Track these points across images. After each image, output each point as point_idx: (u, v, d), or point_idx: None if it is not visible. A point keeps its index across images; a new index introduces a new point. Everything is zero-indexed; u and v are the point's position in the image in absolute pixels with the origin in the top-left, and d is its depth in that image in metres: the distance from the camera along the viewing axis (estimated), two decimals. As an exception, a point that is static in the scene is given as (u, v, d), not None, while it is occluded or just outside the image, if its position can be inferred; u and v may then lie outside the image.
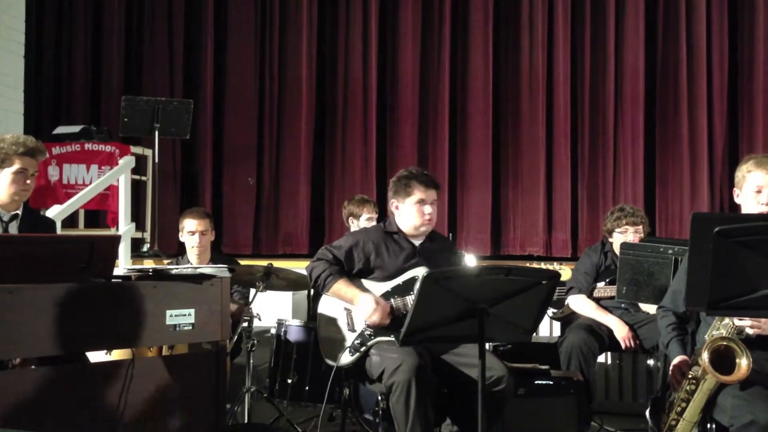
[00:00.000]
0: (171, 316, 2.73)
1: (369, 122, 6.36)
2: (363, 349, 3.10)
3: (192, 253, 4.07)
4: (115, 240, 3.06)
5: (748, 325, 2.50)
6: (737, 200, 2.74)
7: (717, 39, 5.79)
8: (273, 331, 3.91)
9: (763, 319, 2.49)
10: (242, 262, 4.21)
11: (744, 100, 5.78)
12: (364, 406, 3.60)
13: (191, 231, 4.04)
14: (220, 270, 2.91)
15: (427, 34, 6.32)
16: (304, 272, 3.33)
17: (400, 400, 2.83)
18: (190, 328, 2.77)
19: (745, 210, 2.70)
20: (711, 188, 5.75)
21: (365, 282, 3.21)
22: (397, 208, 3.25)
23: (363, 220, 4.58)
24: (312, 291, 4.40)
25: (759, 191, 2.64)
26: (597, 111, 6.01)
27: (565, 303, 4.15)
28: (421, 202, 3.19)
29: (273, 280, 3.86)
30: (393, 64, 6.38)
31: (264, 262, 3.90)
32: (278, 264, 4.01)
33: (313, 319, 3.75)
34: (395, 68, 6.37)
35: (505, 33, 6.20)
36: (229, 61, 6.62)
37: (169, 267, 3.20)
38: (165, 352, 3.17)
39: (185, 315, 2.77)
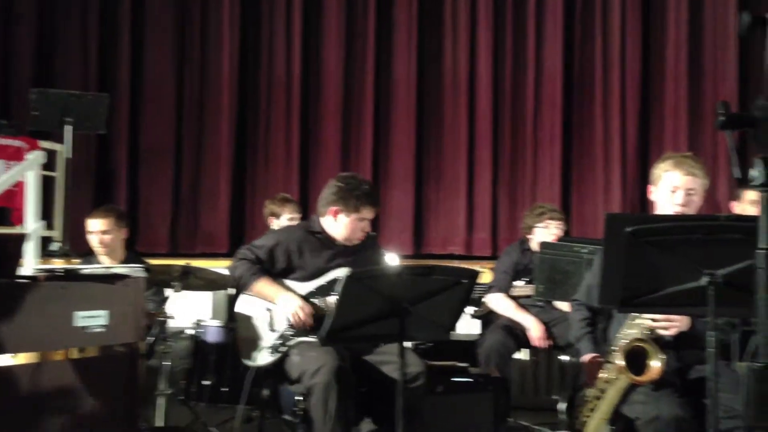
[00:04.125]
0: (81, 317, 2.62)
1: (292, 120, 6.30)
2: (283, 349, 3.06)
3: (98, 254, 3.95)
4: (20, 239, 2.92)
5: (663, 326, 2.58)
6: (652, 197, 2.79)
7: (630, 45, 6.00)
8: (190, 332, 3.82)
9: (674, 317, 2.58)
10: (159, 262, 4.09)
11: (654, 103, 6.00)
12: (284, 407, 3.56)
13: (90, 231, 3.95)
14: (135, 270, 2.82)
15: (351, 33, 6.31)
16: (224, 272, 3.27)
17: (320, 401, 2.81)
18: (102, 330, 2.67)
19: (659, 208, 2.76)
20: (623, 188, 5.95)
21: (287, 282, 3.17)
22: (336, 215, 3.19)
23: (284, 220, 4.52)
24: (232, 291, 4.32)
25: (674, 191, 2.70)
26: (517, 112, 6.13)
27: (484, 301, 4.22)
28: (363, 220, 3.18)
29: (191, 280, 3.77)
30: (317, 63, 6.34)
31: (182, 262, 3.80)
32: (197, 263, 3.92)
33: (233, 320, 3.68)
34: (319, 67, 6.33)
35: (429, 33, 6.25)
36: (147, 55, 6.43)
37: (80, 267, 3.07)
38: (75, 355, 3.04)
39: (96, 316, 2.66)
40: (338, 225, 3.19)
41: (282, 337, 3.08)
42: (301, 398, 3.00)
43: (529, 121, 6.08)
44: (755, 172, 1.11)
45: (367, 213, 3.16)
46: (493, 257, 5.55)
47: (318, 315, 3.06)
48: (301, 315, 3.02)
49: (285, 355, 3.06)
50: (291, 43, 6.31)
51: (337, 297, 2.51)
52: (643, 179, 5.67)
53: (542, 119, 6.07)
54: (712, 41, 5.87)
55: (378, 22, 6.26)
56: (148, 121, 6.42)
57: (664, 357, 2.47)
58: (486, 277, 4.25)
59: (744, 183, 3.13)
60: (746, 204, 3.81)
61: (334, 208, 3.17)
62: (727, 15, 5.80)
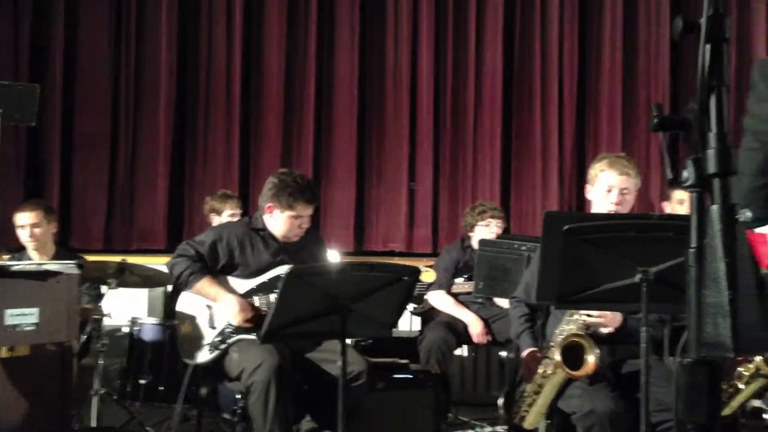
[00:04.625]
0: (11, 315, 2.53)
1: (232, 115, 6.21)
2: (223, 347, 3.02)
3: (28, 248, 3.83)
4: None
5: (599, 321, 2.64)
6: (588, 196, 2.87)
7: (568, 48, 6.12)
8: (125, 330, 3.73)
9: (608, 313, 2.65)
10: (93, 258, 3.98)
11: (590, 104, 6.14)
12: (222, 406, 3.52)
13: (20, 225, 3.84)
14: (68, 266, 2.73)
15: (293, 28, 6.25)
16: (161, 268, 3.21)
17: (259, 399, 2.79)
18: (33, 328, 2.59)
19: (595, 206, 2.84)
20: (561, 187, 6.07)
21: (229, 279, 3.13)
22: (272, 211, 3.16)
23: (225, 217, 4.46)
24: (170, 288, 4.24)
25: (609, 190, 2.78)
26: (458, 111, 6.18)
27: (425, 298, 4.25)
28: (299, 217, 3.15)
29: (127, 277, 3.69)
30: (258, 58, 6.26)
31: (117, 258, 3.71)
32: (133, 260, 3.83)
33: (170, 317, 3.61)
34: (260, 62, 6.25)
35: (371, 31, 6.25)
36: (81, 44, 6.23)
37: (10, 263, 2.97)
38: (4, 354, 2.94)
39: (27, 314, 2.58)
40: (274, 222, 3.16)
41: (221, 334, 3.04)
42: (241, 396, 2.97)
43: (470, 120, 6.14)
44: (686, 173, 1.14)
45: (302, 210, 3.13)
46: (434, 254, 5.59)
47: (259, 313, 3.02)
48: (242, 316, 2.98)
49: (224, 353, 3.02)
50: (232, 37, 6.21)
51: (278, 294, 2.49)
52: (580, 178, 5.80)
53: (482, 118, 6.14)
54: (646, 45, 6.04)
55: (320, 18, 6.22)
56: (81, 112, 6.23)
57: (599, 352, 2.53)
58: (427, 275, 4.28)
59: (676, 183, 3.25)
60: (675, 204, 3.94)
61: (269, 204, 3.15)
62: (660, 20, 5.98)
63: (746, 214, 1.53)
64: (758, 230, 2.45)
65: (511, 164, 6.15)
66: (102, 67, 6.20)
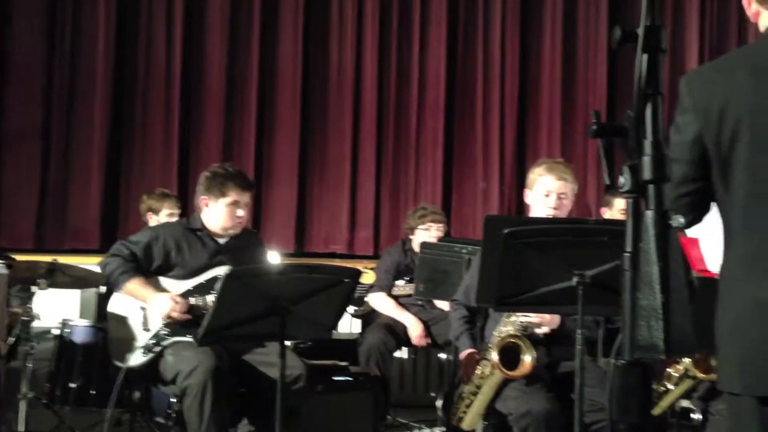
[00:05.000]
0: (-68, 316, 2.42)
1: (171, 112, 6.08)
2: (157, 349, 2.96)
3: None
4: None
5: (536, 322, 2.69)
6: (527, 200, 2.93)
7: (509, 55, 6.22)
8: (56, 332, 3.62)
9: (546, 315, 2.70)
10: (23, 258, 3.84)
11: (531, 110, 6.25)
12: (156, 410, 3.45)
13: None
14: (-5, 265, 2.63)
15: (235, 25, 6.16)
16: (94, 269, 3.12)
17: (195, 402, 2.74)
18: (-44, 330, 2.48)
19: (533, 210, 2.89)
20: (501, 191, 6.16)
21: (164, 280, 3.06)
22: (206, 205, 3.11)
23: (163, 216, 4.37)
24: (103, 289, 4.12)
25: (548, 195, 2.83)
26: (401, 114, 6.21)
27: (365, 300, 4.25)
28: (235, 204, 3.08)
29: (58, 278, 3.57)
30: (199, 54, 6.15)
31: (48, 258, 3.59)
32: (64, 260, 3.72)
33: (102, 319, 3.52)
34: (201, 58, 6.15)
35: (315, 30, 6.22)
36: (14, 34, 6.01)
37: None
38: (-76, 357, 2.81)
39: (-50, 315, 2.47)
40: (211, 215, 3.10)
41: (156, 336, 2.97)
42: (175, 400, 2.91)
43: (413, 123, 6.17)
44: (623, 179, 1.17)
45: (236, 195, 3.07)
46: (375, 257, 5.59)
47: (196, 314, 2.97)
48: (176, 314, 2.92)
49: (159, 356, 2.95)
50: (172, 32, 6.09)
51: (216, 295, 2.45)
52: (520, 183, 5.89)
53: (425, 122, 6.18)
54: (585, 53, 6.19)
55: (263, 16, 6.15)
56: (11, 105, 6.00)
57: (535, 354, 2.57)
58: (368, 276, 4.28)
59: (613, 189, 3.33)
60: (616, 212, 4.01)
61: (203, 198, 3.10)
62: (598, 29, 6.13)
63: (679, 220, 1.58)
64: (690, 235, 2.53)
65: (453, 168, 6.20)
66: (34, 60, 5.99)
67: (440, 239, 4.06)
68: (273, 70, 6.17)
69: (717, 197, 1.64)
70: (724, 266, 1.62)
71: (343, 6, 6.18)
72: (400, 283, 4.19)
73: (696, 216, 1.68)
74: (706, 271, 2.60)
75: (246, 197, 3.12)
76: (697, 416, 2.79)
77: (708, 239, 2.55)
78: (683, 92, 1.64)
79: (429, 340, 4.05)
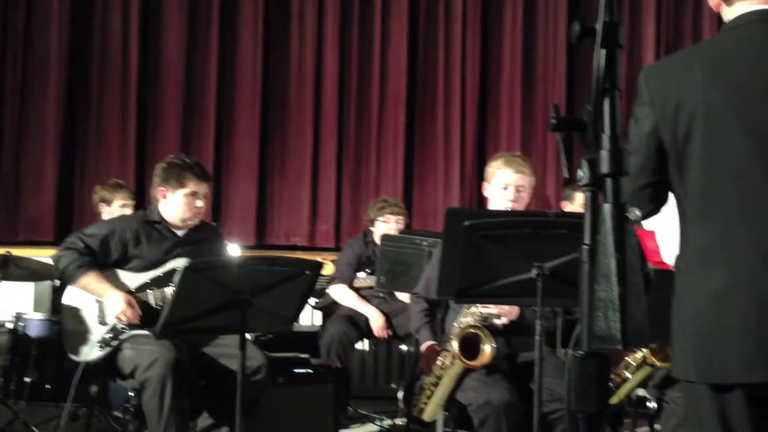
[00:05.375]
0: None
1: (128, 103, 5.97)
2: (114, 343, 2.91)
3: None
4: None
5: (495, 313, 2.72)
6: (486, 193, 2.95)
7: (470, 48, 6.24)
8: (9, 325, 3.54)
9: (505, 306, 2.73)
10: (-26, 250, 3.75)
11: (491, 103, 6.29)
12: (113, 404, 3.40)
13: None
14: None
15: (194, 15, 6.07)
16: (48, 261, 3.05)
17: (154, 396, 2.71)
18: None
19: (492, 203, 2.92)
20: (462, 183, 6.19)
21: (122, 273, 3.01)
22: (164, 196, 3.06)
23: (116, 207, 4.30)
24: (57, 282, 4.05)
25: (506, 188, 2.86)
26: (362, 106, 6.20)
27: (327, 293, 4.24)
28: (193, 195, 3.05)
29: (11, 270, 3.50)
30: (156, 45, 6.05)
31: (1, 250, 3.52)
32: (18, 252, 3.64)
33: (57, 312, 3.45)
34: (158, 49, 6.04)
35: (275, 23, 6.16)
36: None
37: None
38: None
39: None
40: (169, 207, 3.06)
41: (113, 330, 2.93)
42: (133, 394, 2.88)
43: (374, 116, 6.17)
44: (581, 173, 1.18)
45: (194, 185, 3.04)
46: (336, 249, 5.59)
47: (154, 308, 2.93)
48: (128, 315, 2.88)
49: (116, 350, 2.91)
50: (128, 22, 5.97)
51: (174, 288, 2.42)
52: (481, 176, 5.92)
53: (387, 114, 6.18)
54: (544, 48, 6.24)
55: (223, 6, 6.08)
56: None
57: (495, 344, 2.60)
58: (329, 268, 4.27)
59: (572, 182, 3.38)
60: (578, 205, 4.07)
61: (161, 189, 3.06)
62: (558, 24, 6.19)
63: (636, 213, 1.61)
64: (647, 227, 2.58)
65: (414, 161, 6.22)
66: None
67: (401, 231, 4.08)
68: (233, 61, 6.10)
69: (674, 189, 1.67)
70: (680, 258, 1.65)
71: (303, -2, 6.13)
72: (361, 275, 4.20)
73: (654, 208, 1.71)
74: (662, 263, 2.66)
75: (204, 188, 3.09)
76: (652, 404, 2.86)
77: (663, 231, 2.60)
78: (641, 85, 1.67)
79: (390, 332, 4.07)
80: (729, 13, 1.67)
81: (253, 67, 6.07)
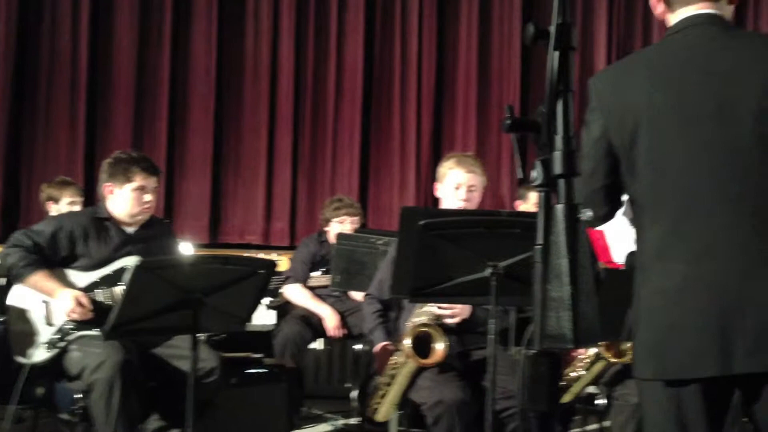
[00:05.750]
0: None
1: (77, 98, 5.84)
2: (62, 344, 2.84)
3: None
4: None
5: (447, 314, 2.73)
6: (438, 194, 2.98)
7: (427, 47, 6.26)
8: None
9: (457, 305, 2.74)
10: None
11: (447, 103, 6.33)
12: (60, 406, 3.32)
13: None
14: None
15: (146, 8, 5.97)
16: (-6, 260, 2.96)
17: (102, 398, 2.65)
18: None
19: (444, 203, 2.94)
20: (418, 182, 6.22)
21: (70, 272, 2.93)
22: (111, 192, 3.00)
23: (64, 205, 4.20)
24: (2, 281, 3.92)
25: (458, 188, 2.89)
26: (318, 104, 6.17)
27: (281, 292, 4.21)
28: (141, 189, 2.99)
29: (-47, 269, 3.38)
30: (107, 38, 5.92)
31: (-58, 248, 3.39)
32: (-40, 250, 3.51)
33: (2, 313, 3.35)
34: (110, 43, 5.92)
35: (230, 18, 6.09)
36: None
37: None
38: None
39: None
40: (117, 202, 3.00)
41: (60, 331, 2.86)
42: (81, 396, 2.81)
43: (330, 113, 6.15)
44: (535, 173, 1.19)
45: (141, 179, 2.99)
46: (291, 247, 5.55)
47: (103, 307, 2.86)
48: (78, 313, 2.81)
49: (64, 351, 2.84)
50: (78, 14, 5.84)
51: (125, 287, 2.37)
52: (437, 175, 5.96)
53: (342, 113, 6.16)
54: (499, 49, 6.30)
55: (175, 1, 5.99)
56: None
57: (447, 342, 2.61)
58: (282, 263, 4.24)
59: (526, 182, 3.41)
60: (531, 205, 4.11)
61: (108, 185, 3.00)
62: (512, 26, 6.26)
63: (587, 214, 1.63)
64: (598, 228, 2.62)
65: (370, 159, 6.22)
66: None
67: (356, 230, 4.07)
68: (186, 56, 6.01)
69: (627, 190, 1.71)
70: (637, 257, 1.69)
71: (258, -8, 6.08)
72: (316, 274, 4.18)
73: (610, 209, 1.75)
74: (611, 262, 2.71)
75: (152, 182, 3.03)
76: (602, 401, 2.90)
77: (612, 231, 2.65)
78: (591, 91, 1.71)
79: (345, 331, 4.06)
80: (673, 19, 1.71)
81: (206, 62, 6.00)
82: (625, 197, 1.75)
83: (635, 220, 1.70)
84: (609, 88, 1.70)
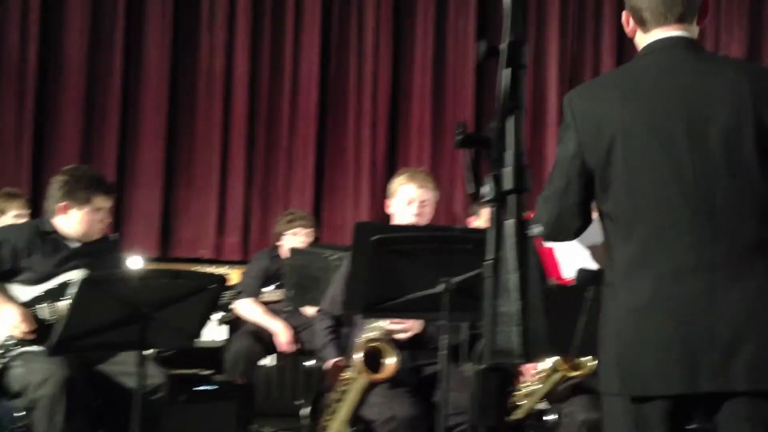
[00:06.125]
0: None
1: (24, 106, 5.69)
2: (3, 361, 2.76)
3: None
4: None
5: (399, 329, 2.73)
6: (389, 210, 2.99)
7: (382, 63, 6.29)
8: None
9: (408, 321, 2.74)
10: None
11: (402, 119, 6.36)
12: (1, 424, 3.21)
13: None
14: None
15: (97, 15, 5.86)
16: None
17: (45, 416, 2.58)
18: None
19: (396, 219, 2.95)
20: (372, 198, 6.21)
21: (12, 286, 2.85)
22: (66, 210, 2.93)
23: (10, 218, 4.07)
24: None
25: (410, 203, 2.90)
26: (273, 117, 6.14)
27: (231, 307, 4.16)
28: (99, 210, 2.95)
29: None
30: (57, 45, 5.79)
31: None
32: None
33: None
34: (59, 50, 5.79)
35: (184, 29, 6.02)
36: None
37: None
38: None
39: None
40: (71, 221, 2.94)
41: (2, 347, 2.77)
42: (24, 414, 2.72)
43: (285, 128, 6.12)
44: (486, 189, 1.20)
45: (101, 202, 2.96)
46: (243, 262, 5.49)
47: (47, 323, 2.79)
48: (23, 329, 2.73)
49: (5, 367, 2.76)
50: (26, 21, 5.70)
51: (70, 302, 2.31)
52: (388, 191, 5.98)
53: (297, 127, 6.14)
54: (453, 66, 6.37)
55: (128, 6, 5.90)
56: None
57: (398, 356, 2.61)
58: (235, 281, 4.19)
59: (477, 198, 3.44)
60: (483, 222, 4.15)
61: (63, 203, 2.94)
62: (467, 43, 6.34)
63: (535, 230, 1.65)
64: (547, 245, 2.65)
65: (324, 175, 6.20)
66: None
67: (309, 245, 4.05)
68: (138, 66, 5.92)
69: (598, 207, 1.73)
70: (607, 274, 1.71)
71: (214, 4, 6.03)
72: (268, 289, 4.14)
73: (582, 225, 1.76)
74: (561, 278, 2.74)
75: (110, 203, 3.03)
76: (551, 417, 2.92)
77: (561, 248, 2.68)
78: (565, 108, 1.74)
79: (298, 346, 4.02)
80: (645, 39, 1.75)
81: (160, 70, 5.91)
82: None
83: (606, 237, 1.72)
84: (583, 106, 1.72)
